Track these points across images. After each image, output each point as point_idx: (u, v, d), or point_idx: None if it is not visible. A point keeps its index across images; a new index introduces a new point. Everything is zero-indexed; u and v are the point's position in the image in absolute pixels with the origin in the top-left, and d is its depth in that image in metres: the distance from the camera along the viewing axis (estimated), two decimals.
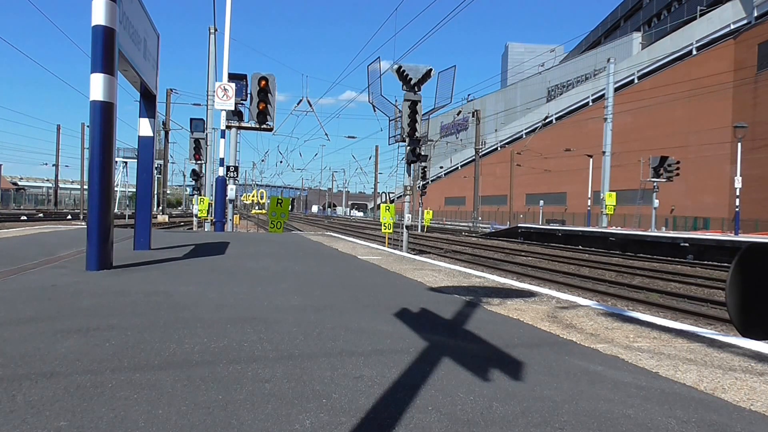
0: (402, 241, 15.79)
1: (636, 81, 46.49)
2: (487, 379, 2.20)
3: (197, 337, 2.67)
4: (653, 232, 25.06)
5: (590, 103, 52.03)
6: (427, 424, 1.71)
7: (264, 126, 14.79)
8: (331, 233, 15.88)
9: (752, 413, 1.94)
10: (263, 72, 14.43)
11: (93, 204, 4.94)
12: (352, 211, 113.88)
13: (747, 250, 4.13)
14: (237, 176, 16.29)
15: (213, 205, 17.94)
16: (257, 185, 65.06)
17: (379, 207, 36.17)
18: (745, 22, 38.52)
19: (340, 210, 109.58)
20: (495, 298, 4.27)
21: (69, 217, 40.70)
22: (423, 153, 16.36)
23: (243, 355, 2.40)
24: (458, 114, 61.33)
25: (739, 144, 27.08)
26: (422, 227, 37.78)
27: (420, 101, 13.76)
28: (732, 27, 39.39)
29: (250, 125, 15.36)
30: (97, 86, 4.84)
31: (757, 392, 2.17)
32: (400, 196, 17.84)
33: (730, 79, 36.58)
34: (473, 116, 46.43)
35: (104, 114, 4.92)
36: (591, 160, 39.52)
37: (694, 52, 41.84)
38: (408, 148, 14.25)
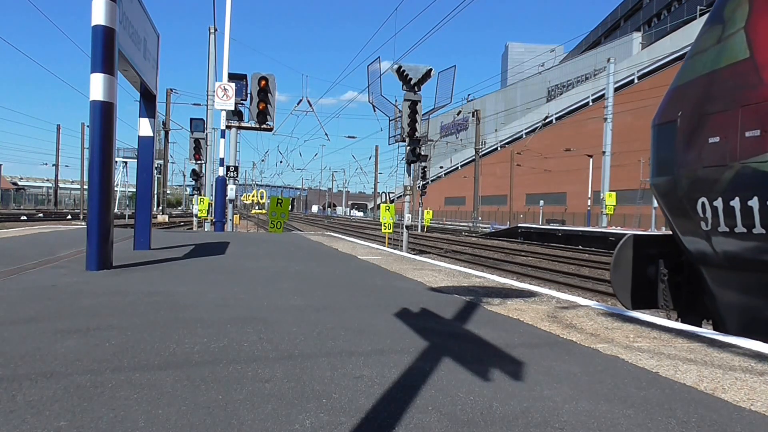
0: (402, 241, 15.79)
1: (636, 81, 46.48)
2: (487, 379, 2.20)
3: (197, 337, 2.67)
4: (653, 232, 25.05)
5: (590, 103, 52.04)
6: (427, 424, 1.71)
7: (264, 126, 14.79)
8: (331, 233, 15.88)
9: (752, 413, 1.94)
10: (263, 72, 14.44)
11: (93, 204, 4.95)
12: (352, 211, 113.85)
13: (628, 239, 5.25)
14: (237, 176, 16.30)
15: (213, 205, 17.95)
16: (257, 185, 65.03)
17: (379, 207, 36.14)
18: None
19: (340, 210, 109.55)
20: (495, 298, 4.27)
21: (69, 217, 40.71)
22: (423, 153, 16.33)
23: (243, 355, 2.40)
24: (458, 114, 61.30)
25: None
26: (422, 227, 37.77)
27: (420, 101, 13.75)
28: None
29: (250, 125, 15.37)
30: (97, 86, 4.85)
31: (757, 392, 2.17)
32: (400, 196, 17.82)
33: None
34: (473, 116, 46.42)
35: (104, 114, 4.93)
36: (591, 160, 39.52)
37: None
38: (408, 148, 14.23)
